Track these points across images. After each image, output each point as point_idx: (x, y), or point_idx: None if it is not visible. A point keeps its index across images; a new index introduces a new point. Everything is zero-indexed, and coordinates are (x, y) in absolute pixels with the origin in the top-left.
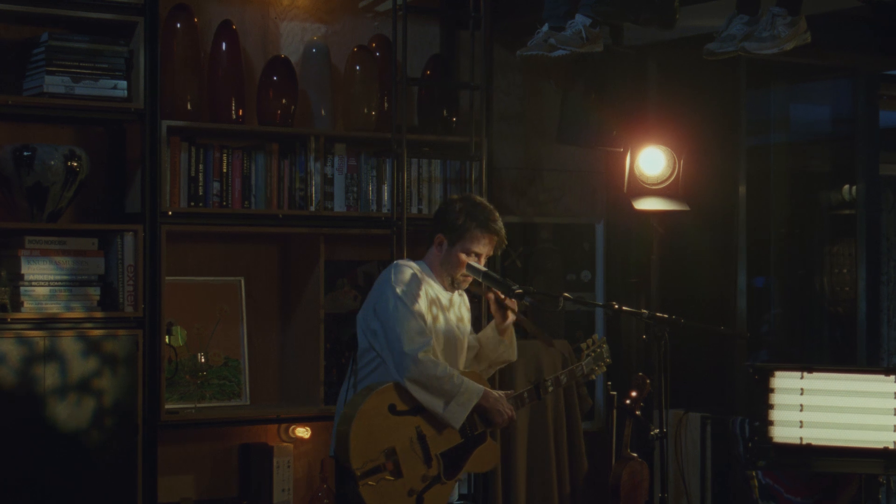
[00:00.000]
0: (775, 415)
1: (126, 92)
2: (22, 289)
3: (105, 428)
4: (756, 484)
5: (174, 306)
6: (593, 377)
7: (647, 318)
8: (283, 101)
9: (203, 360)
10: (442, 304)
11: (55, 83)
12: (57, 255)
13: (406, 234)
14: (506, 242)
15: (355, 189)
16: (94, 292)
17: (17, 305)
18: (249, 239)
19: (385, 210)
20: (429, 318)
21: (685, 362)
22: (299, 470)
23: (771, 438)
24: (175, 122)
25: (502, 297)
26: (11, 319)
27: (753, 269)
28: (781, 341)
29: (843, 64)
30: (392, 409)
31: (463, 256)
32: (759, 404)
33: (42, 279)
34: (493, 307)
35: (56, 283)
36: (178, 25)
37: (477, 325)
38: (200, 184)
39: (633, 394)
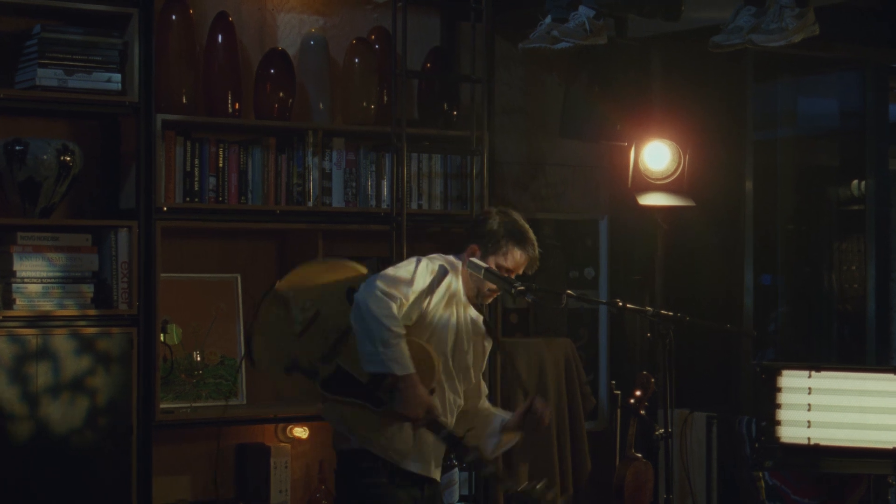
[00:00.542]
0: (782, 414)
1: (120, 85)
2: (14, 286)
3: (99, 428)
4: (763, 485)
5: (169, 304)
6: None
7: (652, 316)
8: (281, 94)
9: (199, 358)
10: (460, 300)
11: (48, 76)
12: (50, 252)
13: (406, 230)
14: (538, 264)
15: (354, 184)
16: (88, 289)
17: (8, 303)
18: (246, 235)
19: (384, 205)
20: (444, 310)
21: (690, 361)
22: (297, 470)
23: (778, 438)
24: (170, 116)
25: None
26: (3, 317)
27: (760, 265)
28: (789, 340)
29: (851, 56)
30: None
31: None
32: (766, 404)
33: (34, 276)
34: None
35: (49, 280)
36: (174, 17)
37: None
38: (196, 179)
39: (638, 393)
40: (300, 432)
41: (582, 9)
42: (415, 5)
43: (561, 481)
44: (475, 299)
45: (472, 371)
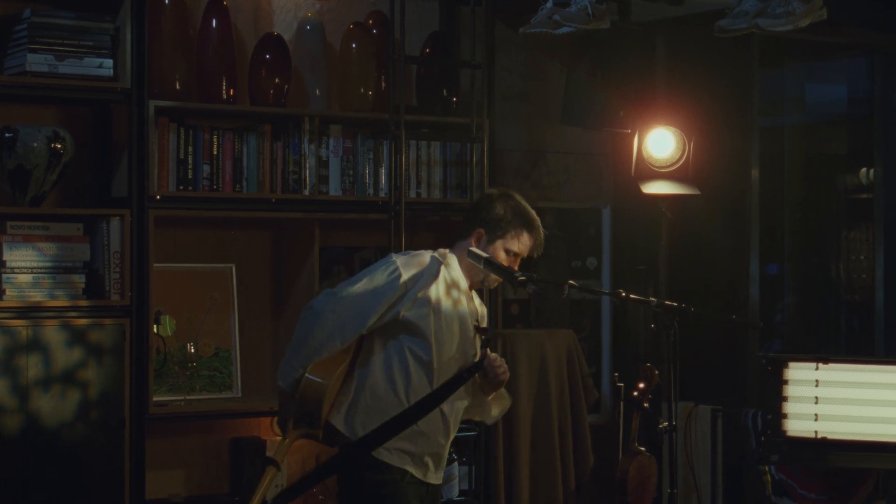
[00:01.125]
0: (789, 407)
1: (112, 71)
2: (3, 276)
3: (91, 421)
4: (769, 479)
5: (162, 294)
6: None
7: (656, 307)
8: (276, 80)
9: (193, 350)
10: (461, 287)
11: (38, 61)
12: (40, 241)
13: (404, 219)
14: (543, 247)
15: (351, 172)
16: (79, 280)
17: None
18: (241, 224)
19: (382, 194)
20: (448, 302)
21: (695, 353)
22: (293, 465)
23: (784, 432)
24: (163, 103)
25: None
26: None
27: (766, 255)
28: (795, 331)
29: (860, 41)
30: None
31: (502, 254)
32: (773, 396)
33: (24, 266)
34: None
35: (39, 270)
36: (167, 1)
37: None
38: (190, 166)
39: (641, 385)
40: None
41: None
42: None
43: (563, 476)
44: (480, 285)
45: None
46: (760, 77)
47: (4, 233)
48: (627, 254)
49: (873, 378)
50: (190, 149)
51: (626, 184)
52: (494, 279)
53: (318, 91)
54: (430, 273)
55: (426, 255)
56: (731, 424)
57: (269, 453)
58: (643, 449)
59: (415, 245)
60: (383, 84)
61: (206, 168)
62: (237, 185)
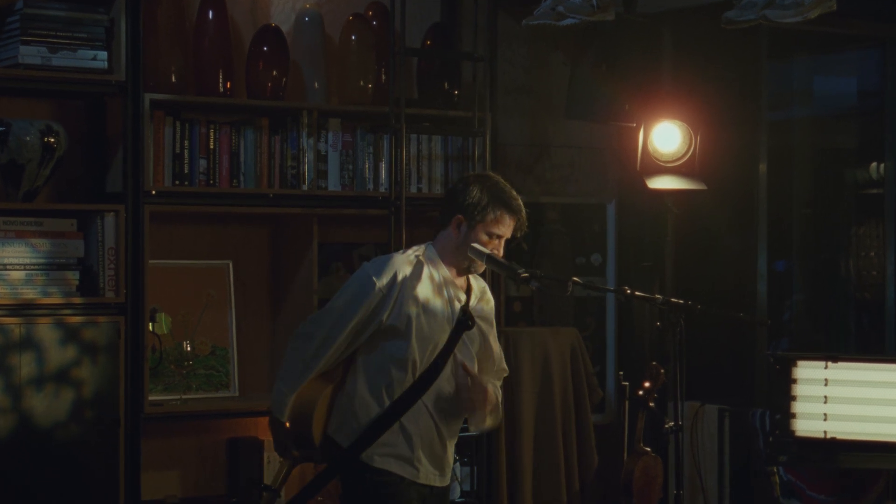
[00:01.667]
0: (798, 407)
1: (106, 63)
2: None
3: (85, 421)
4: (777, 480)
5: (158, 291)
6: None
7: (662, 304)
8: (274, 73)
9: (189, 348)
10: (449, 279)
11: (31, 54)
12: (33, 237)
13: (405, 215)
14: (527, 225)
15: (351, 167)
16: (73, 276)
17: None
18: (238, 220)
19: (382, 189)
20: (438, 300)
21: (702, 351)
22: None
23: (793, 432)
24: (159, 96)
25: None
26: None
27: (774, 251)
28: (804, 329)
29: (870, 33)
30: None
31: (485, 238)
32: (781, 396)
33: (17, 262)
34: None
35: (32, 267)
36: None
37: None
38: (186, 161)
39: (647, 384)
40: None
41: None
42: None
43: (566, 477)
44: (464, 272)
45: (475, 361)
46: (768, 69)
47: None
48: (632, 250)
49: (884, 377)
50: (186, 143)
51: (632, 179)
52: (480, 264)
53: (316, 84)
54: (413, 274)
55: (397, 257)
56: (739, 424)
57: (266, 481)
58: (648, 449)
59: (415, 241)
60: (383, 77)
61: (203, 163)
62: (234, 180)
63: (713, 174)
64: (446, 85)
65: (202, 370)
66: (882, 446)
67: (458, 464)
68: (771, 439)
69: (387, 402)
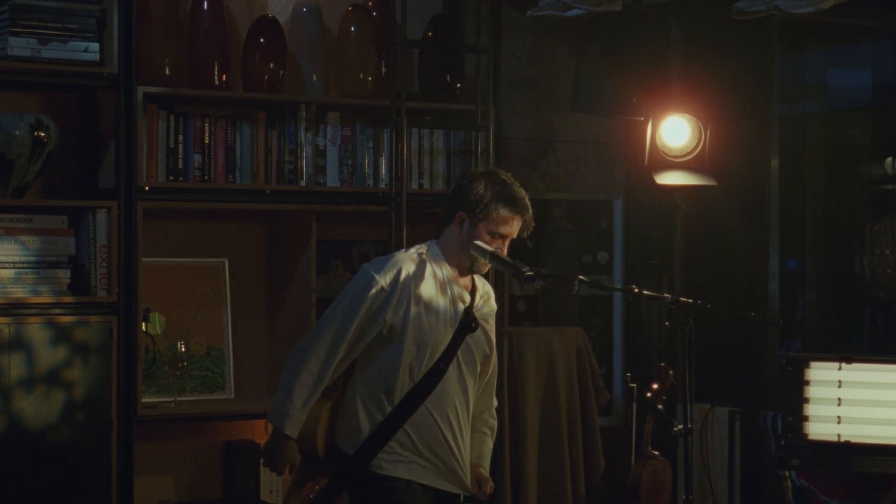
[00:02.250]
0: (810, 409)
1: (98, 55)
2: None
3: (76, 423)
4: (789, 485)
5: (152, 290)
6: None
7: (670, 304)
8: (271, 65)
9: (183, 349)
10: (461, 283)
11: (20, 45)
12: (23, 234)
13: (406, 212)
14: (533, 225)
15: (350, 162)
16: (64, 275)
17: None
18: (234, 216)
19: (383, 185)
20: (443, 301)
21: (712, 352)
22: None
23: (806, 435)
24: (152, 89)
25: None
26: None
27: (786, 249)
28: (817, 329)
29: (885, 24)
30: None
31: (487, 237)
32: (793, 398)
33: (6, 260)
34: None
35: (22, 265)
36: None
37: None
38: (180, 156)
39: (655, 386)
40: None
41: None
42: None
43: (572, 481)
44: (467, 271)
45: (478, 363)
46: (780, 62)
47: None
48: (640, 248)
49: None
50: (180, 137)
51: (639, 174)
52: (484, 263)
53: (314, 77)
54: (416, 273)
55: (400, 255)
56: (750, 427)
57: (262, 485)
58: (657, 453)
59: (416, 238)
60: (384, 69)
61: (198, 157)
62: (230, 176)
63: (723, 170)
64: (448, 77)
65: (197, 371)
66: None
67: None
68: (783, 443)
69: (388, 409)
